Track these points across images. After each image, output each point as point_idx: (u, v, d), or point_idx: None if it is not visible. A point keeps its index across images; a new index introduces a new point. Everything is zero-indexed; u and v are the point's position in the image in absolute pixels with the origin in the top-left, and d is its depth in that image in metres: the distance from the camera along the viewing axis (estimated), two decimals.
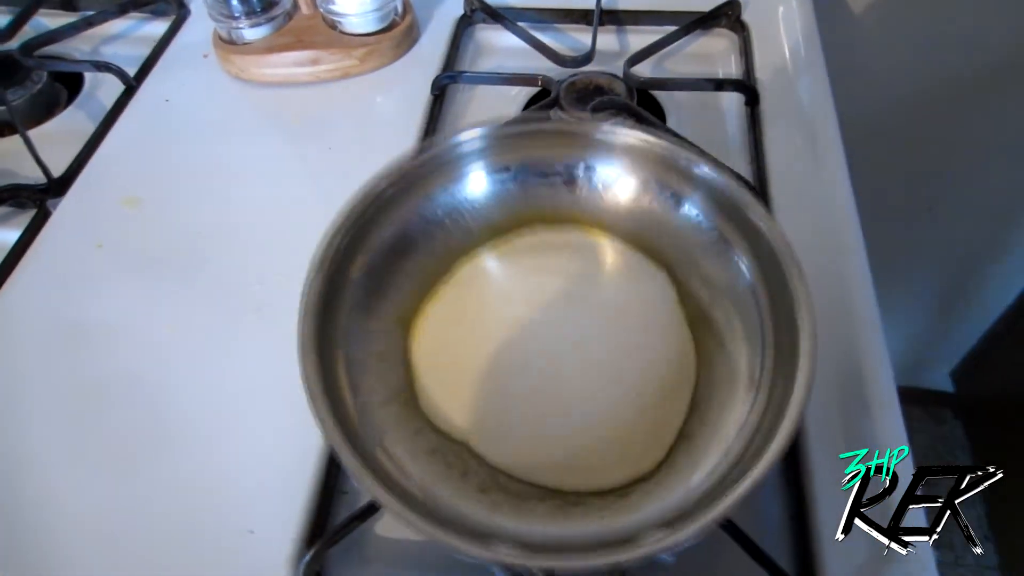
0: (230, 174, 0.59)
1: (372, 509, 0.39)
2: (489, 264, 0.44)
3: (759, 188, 0.53)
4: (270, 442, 0.44)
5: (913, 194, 1.05)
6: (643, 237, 0.44)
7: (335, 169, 0.58)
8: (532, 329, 0.42)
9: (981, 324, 1.27)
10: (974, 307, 1.25)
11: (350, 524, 0.38)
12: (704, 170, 0.39)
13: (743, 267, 0.39)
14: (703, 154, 0.40)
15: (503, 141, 0.42)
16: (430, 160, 0.41)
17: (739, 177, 0.52)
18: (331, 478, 0.42)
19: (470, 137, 0.41)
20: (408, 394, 0.39)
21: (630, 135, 0.41)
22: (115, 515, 0.42)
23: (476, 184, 0.43)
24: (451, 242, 0.43)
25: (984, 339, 1.29)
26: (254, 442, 0.44)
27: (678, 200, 0.41)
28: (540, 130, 0.43)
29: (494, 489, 0.37)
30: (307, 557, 0.38)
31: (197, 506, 0.42)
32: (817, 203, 0.54)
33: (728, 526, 0.38)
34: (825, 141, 0.57)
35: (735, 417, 0.36)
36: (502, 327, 0.42)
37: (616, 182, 0.43)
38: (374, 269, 0.40)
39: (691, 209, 0.41)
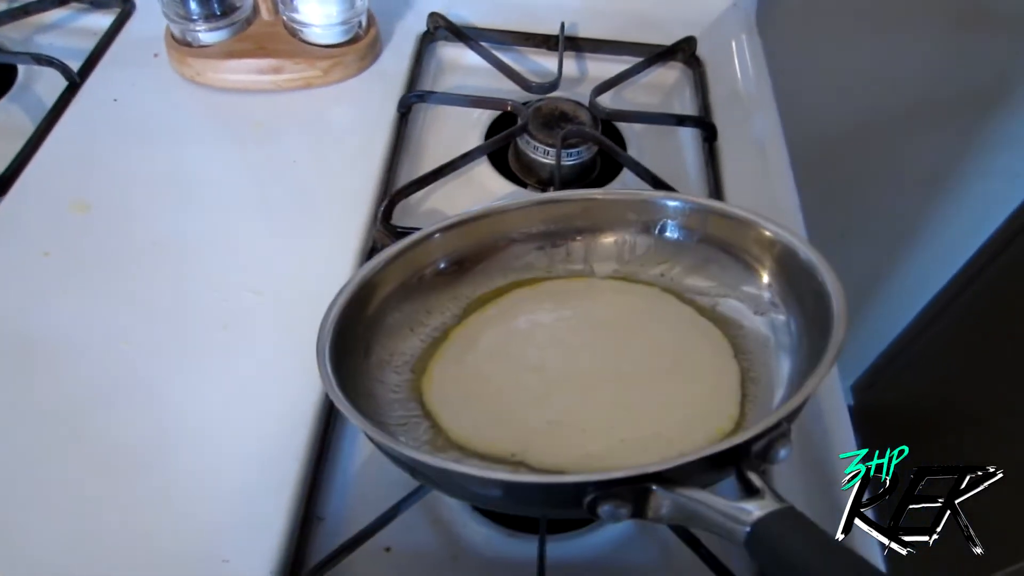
0: (187, 182, 0.57)
1: (359, 540, 0.38)
2: (483, 320, 0.46)
3: None
4: (241, 467, 0.43)
5: (829, 220, 1.12)
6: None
7: (299, 183, 0.57)
8: (555, 344, 0.44)
9: (881, 341, 1.37)
10: (875, 325, 1.34)
11: (337, 556, 0.38)
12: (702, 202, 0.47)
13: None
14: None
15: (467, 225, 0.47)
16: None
17: None
18: (309, 504, 0.42)
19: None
20: (436, 435, 0.39)
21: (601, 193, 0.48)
22: (74, 543, 0.40)
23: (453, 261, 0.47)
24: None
25: (883, 355, 1.38)
26: (223, 466, 0.43)
27: (661, 229, 0.47)
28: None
29: None
30: None
31: (166, 534, 0.40)
32: None
33: (692, 541, 0.40)
34: (777, 173, 0.61)
35: (782, 367, 0.40)
36: (521, 348, 0.43)
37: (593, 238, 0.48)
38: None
39: (672, 232, 0.47)
